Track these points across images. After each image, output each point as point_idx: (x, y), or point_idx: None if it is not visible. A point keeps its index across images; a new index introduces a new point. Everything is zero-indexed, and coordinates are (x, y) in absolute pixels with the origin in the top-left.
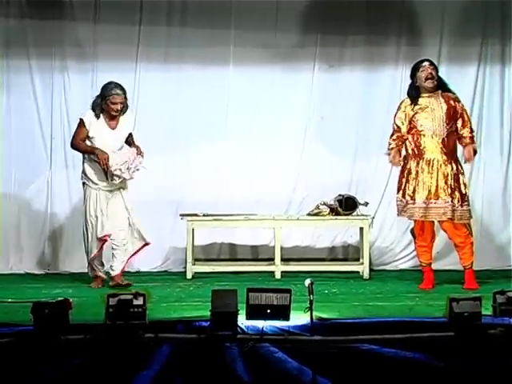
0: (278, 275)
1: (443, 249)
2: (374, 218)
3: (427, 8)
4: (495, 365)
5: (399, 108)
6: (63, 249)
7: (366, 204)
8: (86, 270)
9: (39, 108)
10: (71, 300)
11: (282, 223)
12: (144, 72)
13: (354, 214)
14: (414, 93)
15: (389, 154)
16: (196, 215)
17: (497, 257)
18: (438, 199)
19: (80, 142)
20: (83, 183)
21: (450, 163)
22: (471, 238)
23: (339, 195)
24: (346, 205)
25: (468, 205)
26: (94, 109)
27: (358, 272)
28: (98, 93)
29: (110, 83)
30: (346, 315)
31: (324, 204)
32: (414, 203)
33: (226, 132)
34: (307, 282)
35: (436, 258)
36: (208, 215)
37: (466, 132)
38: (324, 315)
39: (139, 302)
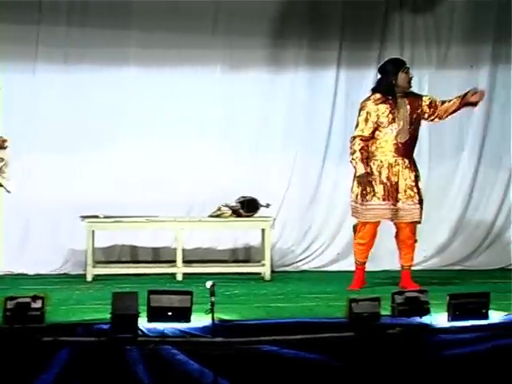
0: (179, 277)
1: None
2: (275, 219)
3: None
4: (394, 364)
5: (365, 106)
6: None
7: (268, 205)
8: None
9: None
10: None
11: (183, 225)
12: (43, 73)
13: (256, 215)
14: (389, 90)
15: (354, 167)
16: (96, 217)
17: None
18: (404, 200)
19: None
20: None
21: (410, 164)
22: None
23: (241, 197)
24: (248, 206)
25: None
26: None
27: (259, 273)
28: None
29: None
30: (248, 316)
31: (226, 206)
32: (377, 205)
33: (127, 133)
34: (209, 283)
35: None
36: (108, 217)
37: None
38: (225, 317)
39: (37, 305)
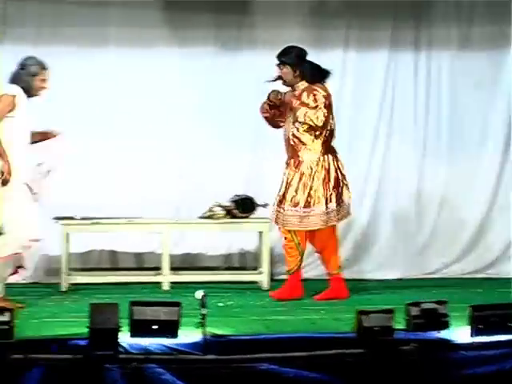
0: (165, 286)
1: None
2: None
3: None
4: None
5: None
6: None
7: (266, 205)
8: None
9: None
10: None
11: (170, 227)
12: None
13: (253, 216)
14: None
15: None
16: (72, 218)
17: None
18: (339, 203)
19: None
20: None
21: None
22: None
23: (235, 195)
24: (243, 206)
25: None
26: None
27: (256, 282)
28: None
29: None
30: (243, 331)
31: (218, 206)
32: (310, 211)
33: (106, 127)
34: (199, 293)
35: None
36: (86, 218)
37: None
38: (218, 331)
39: (5, 318)
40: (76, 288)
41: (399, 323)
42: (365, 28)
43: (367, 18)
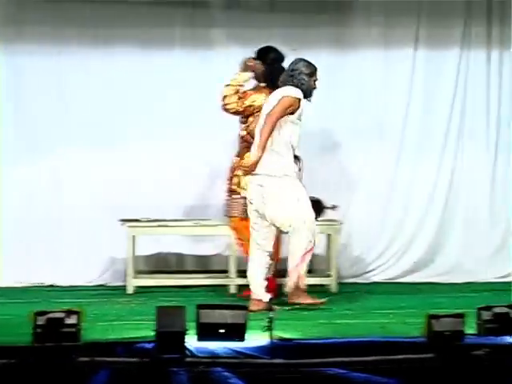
0: (232, 289)
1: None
2: (342, 223)
3: None
4: None
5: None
6: None
7: (334, 207)
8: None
9: None
10: None
11: None
12: None
13: (320, 218)
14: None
15: None
16: (138, 221)
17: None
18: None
19: None
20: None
21: None
22: None
23: None
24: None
25: None
26: None
27: (324, 285)
28: None
29: None
30: (311, 335)
31: None
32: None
33: (165, 129)
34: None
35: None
36: (152, 221)
37: None
38: (285, 335)
39: (72, 320)
40: (142, 291)
41: (470, 328)
42: (435, 26)
43: (437, 16)
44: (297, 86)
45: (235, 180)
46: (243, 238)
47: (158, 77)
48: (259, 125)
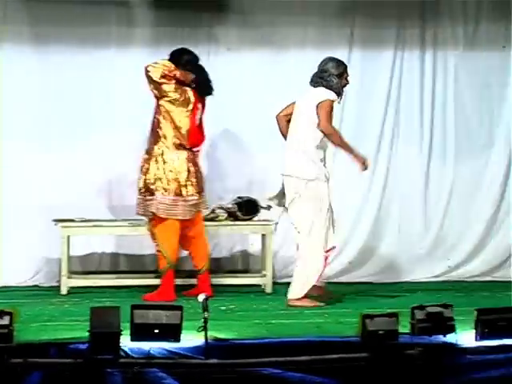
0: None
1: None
2: (277, 223)
3: None
4: None
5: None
6: None
7: (269, 207)
8: None
9: None
10: None
11: None
12: None
13: (255, 218)
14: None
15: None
16: (72, 221)
17: (412, 268)
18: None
19: None
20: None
21: None
22: None
23: (238, 197)
24: (246, 208)
25: None
26: None
27: (259, 285)
28: None
29: None
30: (246, 335)
31: (221, 208)
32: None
33: (103, 127)
34: (201, 297)
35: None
36: (86, 221)
37: None
38: (220, 335)
39: (5, 321)
40: (76, 291)
41: (404, 327)
42: (369, 27)
43: (372, 18)
44: (327, 88)
45: (147, 178)
46: (161, 249)
47: (91, 76)
48: (296, 125)
